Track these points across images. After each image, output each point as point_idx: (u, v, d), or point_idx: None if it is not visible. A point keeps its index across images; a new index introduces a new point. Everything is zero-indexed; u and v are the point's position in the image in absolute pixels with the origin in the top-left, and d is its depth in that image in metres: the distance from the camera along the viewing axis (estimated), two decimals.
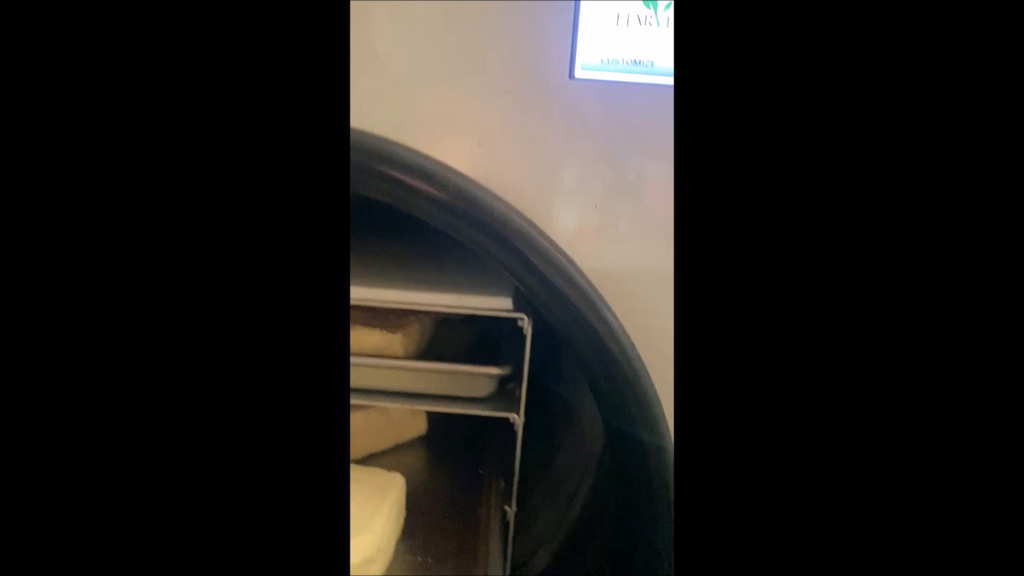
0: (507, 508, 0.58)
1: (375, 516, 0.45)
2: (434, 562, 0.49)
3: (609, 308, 0.53)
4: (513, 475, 0.58)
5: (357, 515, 0.44)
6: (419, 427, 0.68)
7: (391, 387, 0.58)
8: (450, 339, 0.69)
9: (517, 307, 0.55)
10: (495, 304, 0.54)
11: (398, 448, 0.66)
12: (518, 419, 0.56)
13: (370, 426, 0.63)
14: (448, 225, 0.47)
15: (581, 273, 0.52)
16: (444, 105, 0.48)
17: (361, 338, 0.59)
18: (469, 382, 0.58)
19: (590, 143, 0.50)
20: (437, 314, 0.68)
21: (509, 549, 0.60)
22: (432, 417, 0.70)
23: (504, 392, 0.61)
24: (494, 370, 0.57)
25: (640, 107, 0.50)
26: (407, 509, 0.53)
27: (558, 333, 0.54)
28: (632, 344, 0.55)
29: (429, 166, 0.47)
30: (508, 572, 0.61)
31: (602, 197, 0.51)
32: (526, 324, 0.54)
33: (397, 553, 0.49)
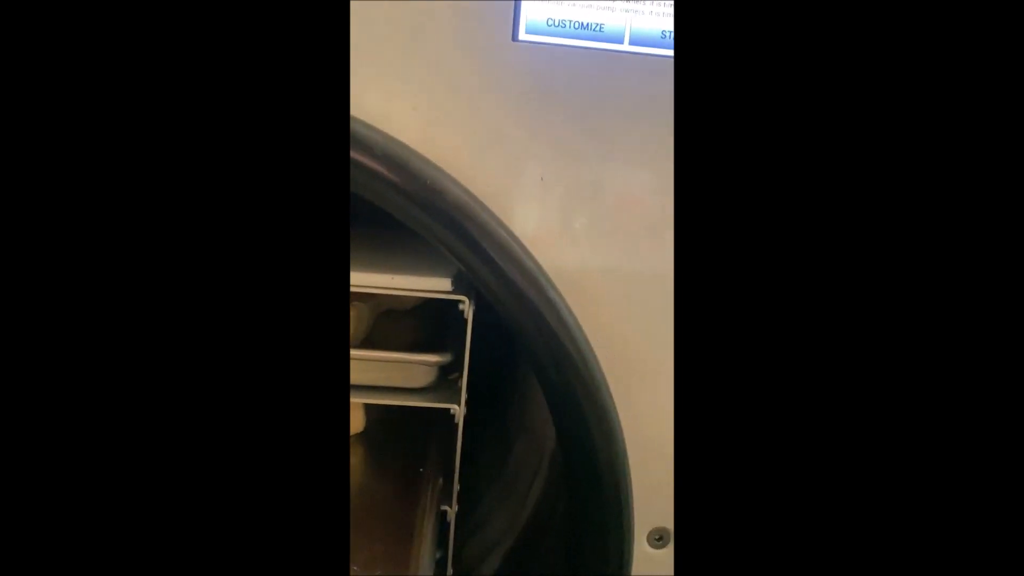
0: (447, 508, 0.54)
1: None
2: (359, 568, 0.44)
3: (554, 286, 0.50)
4: (454, 472, 0.54)
5: None
6: (355, 424, 0.63)
7: None
8: (392, 333, 0.65)
9: (458, 290, 0.51)
10: (432, 285, 0.50)
11: None
12: (459, 410, 0.52)
13: None
14: (376, 194, 0.43)
15: (525, 250, 0.48)
16: (374, 66, 0.44)
17: None
18: (406, 371, 0.54)
19: (533, 110, 0.46)
20: (377, 305, 0.64)
21: (450, 550, 0.56)
22: (370, 414, 0.65)
23: (447, 384, 0.57)
24: (432, 357, 0.53)
25: (586, 73, 0.46)
26: None
27: (500, 315, 0.50)
28: (579, 327, 0.51)
29: (357, 128, 0.42)
30: (450, 574, 0.57)
31: (547, 169, 0.48)
32: (467, 307, 0.50)
33: None
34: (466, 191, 0.45)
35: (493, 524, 0.88)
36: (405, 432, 0.66)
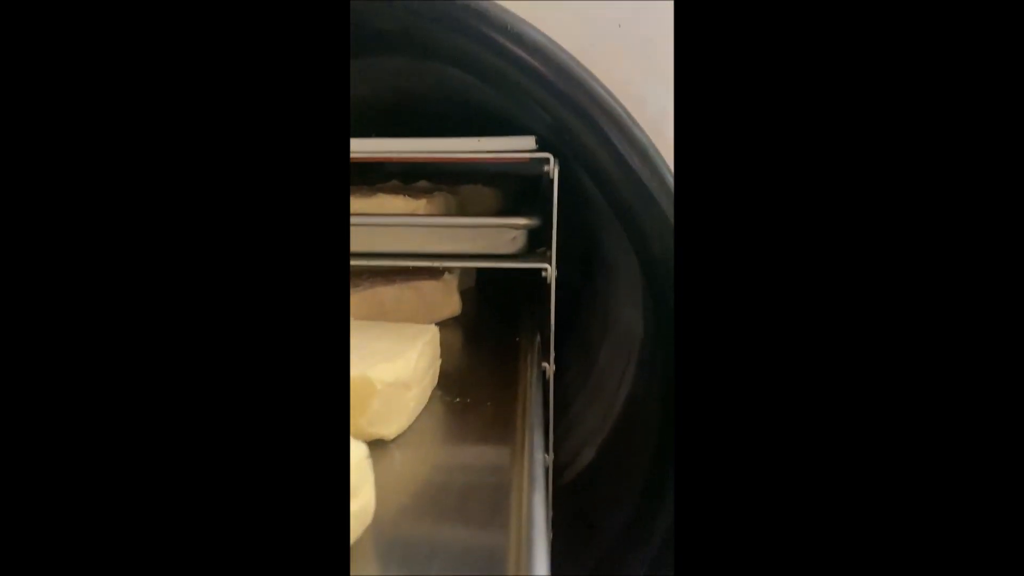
0: (545, 365, 0.56)
1: (408, 348, 0.44)
2: (472, 402, 0.48)
3: (647, 136, 0.49)
4: (550, 331, 0.57)
5: (391, 348, 0.43)
6: (453, 306, 0.67)
7: (417, 249, 0.57)
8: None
9: (542, 149, 0.52)
10: (517, 145, 0.52)
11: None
12: (550, 270, 0.55)
13: (402, 301, 0.62)
14: (455, 47, 0.45)
15: (612, 96, 0.48)
16: None
17: (384, 204, 0.58)
18: (495, 237, 0.56)
19: None
20: (463, 202, 0.67)
21: (551, 405, 0.58)
22: (466, 298, 0.69)
23: (537, 254, 0.59)
24: (520, 221, 0.55)
25: None
26: (444, 368, 0.52)
27: (588, 173, 0.51)
28: None
29: None
30: (552, 436, 0.60)
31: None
32: (552, 166, 0.52)
33: (434, 398, 0.49)
34: (545, 36, 0.46)
35: (585, 423, 0.91)
36: (498, 314, 0.69)
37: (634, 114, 0.48)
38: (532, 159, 0.51)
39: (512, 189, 0.83)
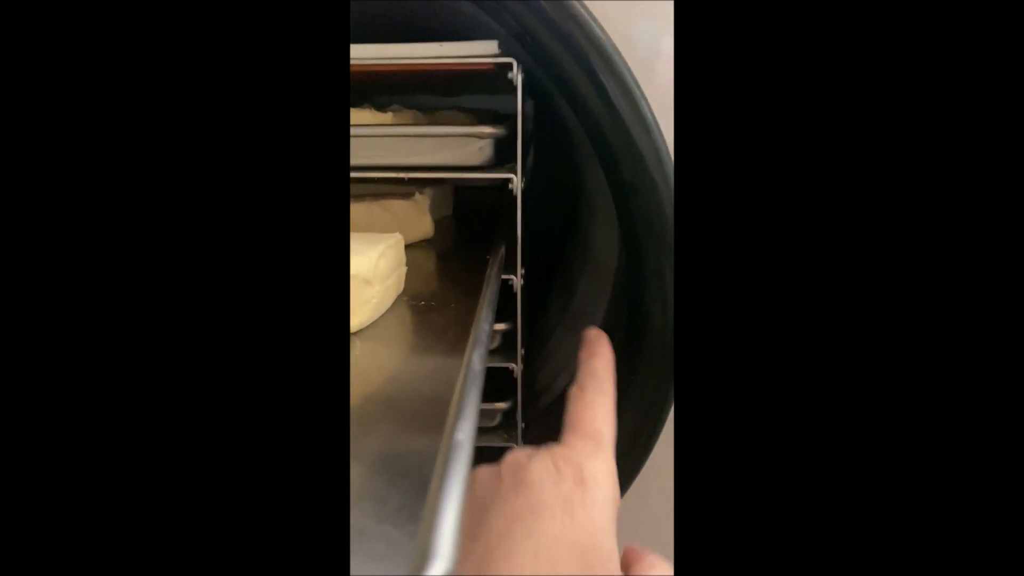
0: (512, 277, 0.57)
1: (369, 248, 0.44)
2: (437, 305, 0.49)
3: (616, 48, 0.49)
4: (516, 243, 0.57)
5: (353, 248, 0.44)
6: (425, 227, 0.67)
7: (380, 161, 0.57)
8: None
9: (505, 54, 0.52)
10: (479, 50, 0.51)
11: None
12: (516, 180, 0.55)
13: (373, 218, 0.63)
14: None
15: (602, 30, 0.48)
16: None
17: (351, 116, 0.57)
18: (462, 148, 0.56)
19: None
20: (435, 119, 0.66)
21: (519, 320, 0.59)
22: (442, 227, 0.69)
23: (505, 168, 0.59)
24: (485, 129, 0.55)
25: None
26: (414, 282, 0.53)
27: (556, 74, 0.51)
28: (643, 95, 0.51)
29: None
30: (522, 343, 0.61)
31: None
32: (515, 72, 0.52)
33: (399, 302, 0.49)
34: None
35: (563, 350, 0.93)
36: (470, 237, 0.70)
37: (623, 51, 0.48)
38: (496, 64, 0.51)
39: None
